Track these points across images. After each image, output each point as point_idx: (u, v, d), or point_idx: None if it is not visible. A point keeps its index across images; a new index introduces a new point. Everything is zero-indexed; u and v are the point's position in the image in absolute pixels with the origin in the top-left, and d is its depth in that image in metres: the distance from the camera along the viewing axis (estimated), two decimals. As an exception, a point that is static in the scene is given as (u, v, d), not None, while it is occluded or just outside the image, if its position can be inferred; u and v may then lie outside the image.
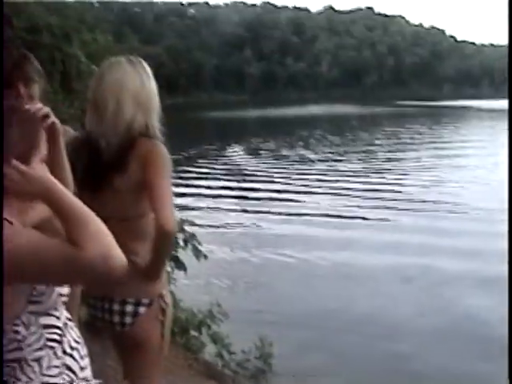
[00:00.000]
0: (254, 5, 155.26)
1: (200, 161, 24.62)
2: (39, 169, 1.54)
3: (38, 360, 1.59)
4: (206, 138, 34.92)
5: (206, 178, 20.10)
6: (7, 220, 1.50)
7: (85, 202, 1.61)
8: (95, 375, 1.76)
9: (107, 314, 2.57)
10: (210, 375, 5.50)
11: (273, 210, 14.97)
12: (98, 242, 1.44)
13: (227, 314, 5.94)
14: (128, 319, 2.53)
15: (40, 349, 1.59)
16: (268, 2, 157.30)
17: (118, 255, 1.46)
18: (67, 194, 1.54)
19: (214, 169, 22.56)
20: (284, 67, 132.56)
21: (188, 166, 21.86)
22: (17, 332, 1.55)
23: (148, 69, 2.59)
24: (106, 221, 1.52)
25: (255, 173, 21.25)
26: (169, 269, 5.41)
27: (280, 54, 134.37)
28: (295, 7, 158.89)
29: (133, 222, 2.54)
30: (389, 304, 8.49)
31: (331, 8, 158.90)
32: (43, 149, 1.62)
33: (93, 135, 2.56)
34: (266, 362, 5.85)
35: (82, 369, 1.68)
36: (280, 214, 14.59)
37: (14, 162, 1.48)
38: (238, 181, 19.85)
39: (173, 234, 2.46)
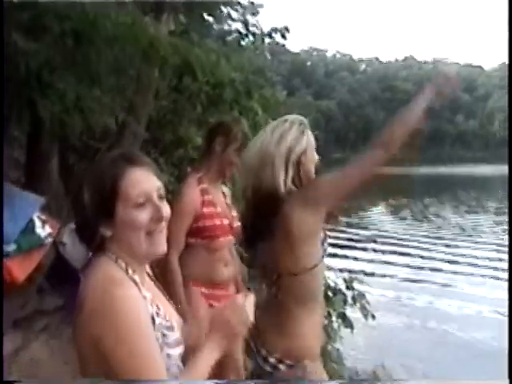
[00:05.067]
0: (425, 61, 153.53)
1: (353, 221, 23.66)
2: None
3: None
4: (369, 195, 34.33)
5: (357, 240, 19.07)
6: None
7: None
8: None
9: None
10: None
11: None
12: None
13: (391, 377, 5.78)
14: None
15: None
16: (439, 59, 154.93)
17: None
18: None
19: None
20: (454, 125, 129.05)
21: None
22: None
23: (298, 128, 2.71)
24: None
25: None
26: (335, 325, 5.42)
27: (450, 111, 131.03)
28: (467, 64, 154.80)
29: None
30: None
31: (506, 65, 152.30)
32: None
33: None
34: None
35: None
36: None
37: None
38: (389, 243, 18.47)
39: None
